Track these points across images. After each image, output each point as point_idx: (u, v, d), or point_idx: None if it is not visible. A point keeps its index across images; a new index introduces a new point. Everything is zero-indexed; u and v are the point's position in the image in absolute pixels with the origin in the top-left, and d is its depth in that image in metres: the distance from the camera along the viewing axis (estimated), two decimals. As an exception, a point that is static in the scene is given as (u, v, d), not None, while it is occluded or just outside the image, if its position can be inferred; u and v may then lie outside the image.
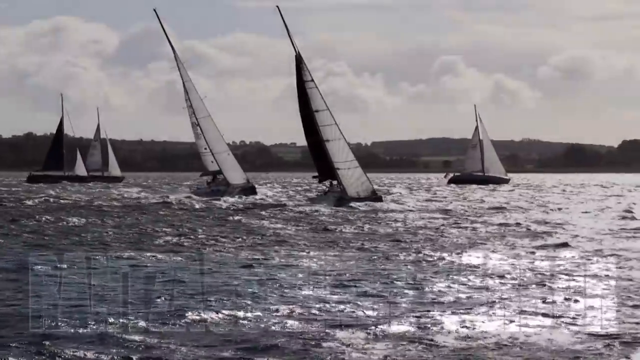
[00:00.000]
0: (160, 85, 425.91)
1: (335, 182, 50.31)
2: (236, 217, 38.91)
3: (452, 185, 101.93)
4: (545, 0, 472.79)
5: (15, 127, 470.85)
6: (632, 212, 44.38)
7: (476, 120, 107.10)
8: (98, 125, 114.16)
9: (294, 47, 51.40)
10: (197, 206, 48.13)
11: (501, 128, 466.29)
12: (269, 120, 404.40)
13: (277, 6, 52.78)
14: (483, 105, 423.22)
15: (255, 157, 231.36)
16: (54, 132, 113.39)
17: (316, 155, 50.53)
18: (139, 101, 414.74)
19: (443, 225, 35.17)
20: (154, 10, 68.21)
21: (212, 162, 68.20)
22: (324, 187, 52.78)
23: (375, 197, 48.83)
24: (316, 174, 52.27)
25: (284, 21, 52.21)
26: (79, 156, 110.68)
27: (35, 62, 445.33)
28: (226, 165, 67.16)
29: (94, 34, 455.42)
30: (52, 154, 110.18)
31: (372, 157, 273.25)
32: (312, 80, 50.56)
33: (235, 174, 67.19)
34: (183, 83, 67.28)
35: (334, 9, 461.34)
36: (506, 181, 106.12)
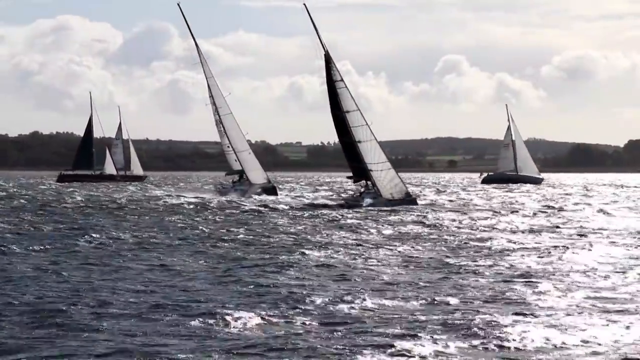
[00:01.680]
0: (163, 85, 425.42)
1: (369, 183, 49.41)
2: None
3: (485, 185, 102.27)
4: (546, 1, 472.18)
5: (20, 126, 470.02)
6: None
7: (508, 120, 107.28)
8: (120, 124, 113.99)
9: (323, 46, 50.55)
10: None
11: (506, 127, 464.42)
12: (274, 120, 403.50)
13: (305, 4, 52.08)
14: (486, 105, 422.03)
15: (261, 156, 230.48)
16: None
17: (349, 156, 49.61)
18: (143, 100, 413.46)
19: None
20: (178, 4, 67.50)
21: (235, 160, 67.69)
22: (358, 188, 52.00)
23: (410, 199, 47.85)
24: (349, 174, 51.64)
25: (311, 19, 51.41)
26: (108, 155, 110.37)
27: (38, 61, 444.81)
28: (247, 165, 66.69)
29: (98, 32, 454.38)
30: (82, 153, 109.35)
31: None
32: (342, 79, 49.57)
33: (257, 174, 66.66)
34: (206, 80, 66.79)
35: (337, 8, 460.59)
36: (539, 180, 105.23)
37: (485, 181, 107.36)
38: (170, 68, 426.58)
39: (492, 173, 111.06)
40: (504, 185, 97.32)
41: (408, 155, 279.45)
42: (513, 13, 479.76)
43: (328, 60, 49.97)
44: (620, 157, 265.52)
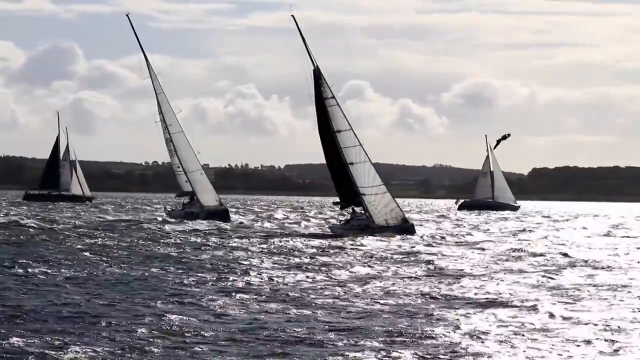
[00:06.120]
0: (67, 103, 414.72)
1: (358, 209, 44.90)
2: None
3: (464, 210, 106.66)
4: (453, 29, 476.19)
5: None
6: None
7: (487, 150, 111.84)
8: (67, 146, 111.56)
9: (312, 61, 46.34)
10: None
11: (411, 153, 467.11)
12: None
13: (293, 15, 48.24)
14: (390, 130, 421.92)
15: (169, 178, 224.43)
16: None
17: (338, 179, 45.04)
18: (46, 119, 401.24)
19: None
20: (127, 15, 66.18)
21: (185, 181, 63.06)
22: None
23: (406, 225, 43.64)
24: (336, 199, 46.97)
25: (300, 33, 47.45)
26: (74, 175, 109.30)
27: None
28: (199, 186, 62.31)
29: (0, 51, 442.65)
30: (48, 173, 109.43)
31: (285, 180, 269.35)
32: (334, 97, 45.31)
33: (208, 196, 62.34)
34: (156, 95, 62.17)
35: (244, 31, 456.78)
36: (515, 208, 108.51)
37: (462, 207, 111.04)
38: (72, 88, 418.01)
39: (468, 200, 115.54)
40: (484, 211, 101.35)
41: (315, 180, 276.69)
42: (419, 40, 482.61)
43: (318, 76, 45.77)
44: (525, 185, 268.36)
